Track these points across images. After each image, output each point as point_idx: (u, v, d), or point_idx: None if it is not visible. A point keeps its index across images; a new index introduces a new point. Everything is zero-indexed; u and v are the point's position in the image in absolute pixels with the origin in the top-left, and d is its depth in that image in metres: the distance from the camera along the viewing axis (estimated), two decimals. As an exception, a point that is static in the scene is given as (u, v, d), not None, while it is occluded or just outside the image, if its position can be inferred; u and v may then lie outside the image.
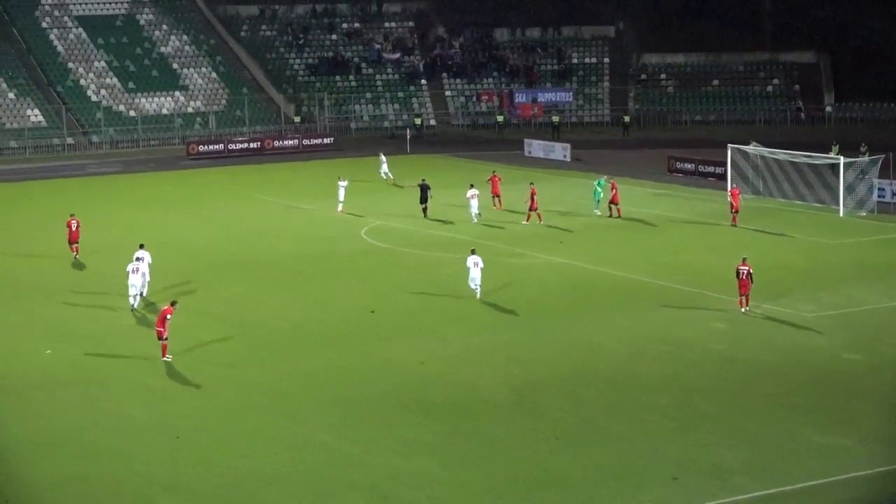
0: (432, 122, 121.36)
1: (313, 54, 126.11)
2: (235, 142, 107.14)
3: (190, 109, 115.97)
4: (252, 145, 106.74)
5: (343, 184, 72.46)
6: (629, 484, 31.40)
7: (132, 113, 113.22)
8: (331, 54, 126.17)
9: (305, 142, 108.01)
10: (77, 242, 60.21)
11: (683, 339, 44.48)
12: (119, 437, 35.22)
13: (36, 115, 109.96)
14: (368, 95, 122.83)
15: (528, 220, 67.52)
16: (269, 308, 50.05)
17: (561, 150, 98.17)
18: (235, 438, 34.96)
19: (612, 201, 69.24)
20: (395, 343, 44.52)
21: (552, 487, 31.13)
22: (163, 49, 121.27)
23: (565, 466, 32.46)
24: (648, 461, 32.80)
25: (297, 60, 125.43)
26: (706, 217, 69.01)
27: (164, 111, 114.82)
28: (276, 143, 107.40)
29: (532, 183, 70.14)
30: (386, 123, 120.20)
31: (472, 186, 69.16)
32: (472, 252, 51.33)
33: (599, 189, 70.46)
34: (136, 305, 49.84)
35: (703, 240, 62.89)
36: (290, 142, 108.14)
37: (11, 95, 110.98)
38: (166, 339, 42.23)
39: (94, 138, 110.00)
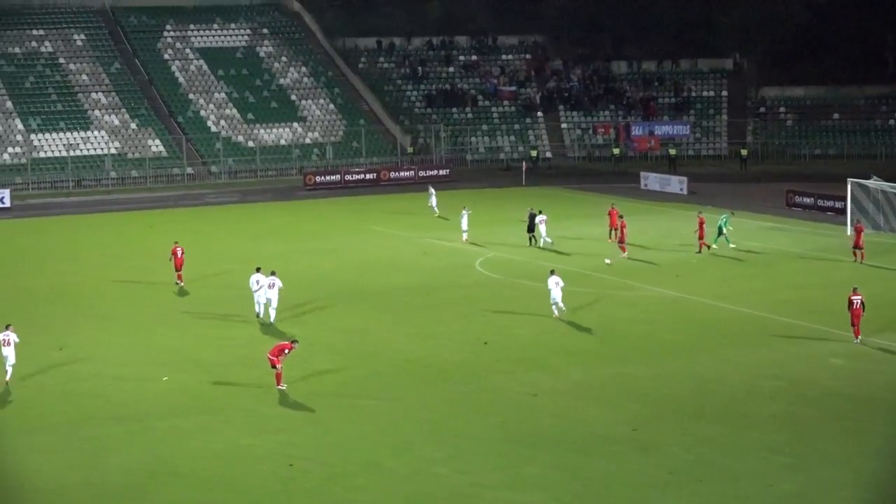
0: (548, 154, 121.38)
1: (430, 86, 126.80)
2: (352, 173, 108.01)
3: (307, 140, 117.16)
4: (368, 176, 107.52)
5: (466, 212, 73.25)
6: (744, 522, 30.98)
7: (251, 143, 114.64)
8: (448, 86, 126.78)
9: (421, 173, 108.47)
10: (181, 270, 61.05)
11: (799, 375, 43.83)
12: (234, 465, 35.50)
13: (157, 146, 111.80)
14: (485, 127, 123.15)
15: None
16: (384, 339, 50.27)
17: (678, 184, 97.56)
18: (348, 468, 35.07)
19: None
20: (507, 375, 44.43)
21: (665, 524, 30.85)
22: (282, 81, 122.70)
23: None
24: (764, 500, 32.27)
25: (414, 92, 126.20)
26: (825, 252, 68.09)
27: (282, 142, 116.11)
28: (392, 175, 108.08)
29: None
30: (502, 155, 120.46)
31: (540, 213, 71.00)
32: (552, 273, 53.42)
33: (724, 225, 69.64)
34: (262, 314, 53.10)
35: (821, 275, 62.01)
36: (406, 173, 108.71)
37: (133, 126, 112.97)
38: (280, 368, 42.64)
39: (213, 168, 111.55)
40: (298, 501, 32.61)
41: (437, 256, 68.72)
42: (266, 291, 52.84)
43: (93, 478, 34.55)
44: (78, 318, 54.80)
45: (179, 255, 61.14)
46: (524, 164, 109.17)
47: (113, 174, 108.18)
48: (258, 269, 54.25)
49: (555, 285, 52.78)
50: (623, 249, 66.73)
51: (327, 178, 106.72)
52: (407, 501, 32.48)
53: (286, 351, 42.74)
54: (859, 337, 47.45)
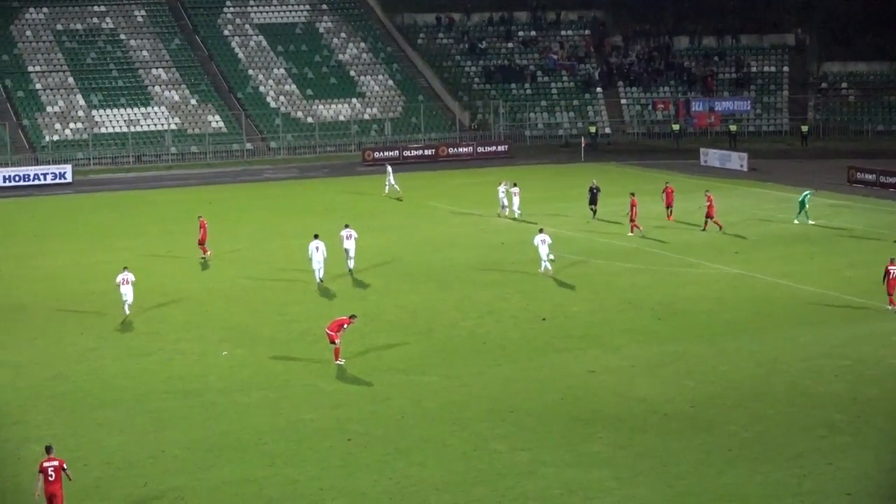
0: (607, 130, 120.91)
1: (489, 62, 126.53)
2: (410, 148, 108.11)
3: (366, 116, 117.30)
4: (427, 152, 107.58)
5: (505, 187, 73.86)
6: (804, 501, 30.79)
7: (310, 119, 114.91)
8: (507, 62, 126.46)
9: (480, 149, 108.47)
10: (204, 244, 61.81)
11: (863, 354, 43.47)
12: (294, 440, 35.71)
13: (217, 121, 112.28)
14: (543, 103, 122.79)
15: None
16: (442, 315, 50.33)
17: (738, 160, 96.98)
18: (407, 444, 35.18)
19: (708, 215, 68.15)
20: (566, 352, 44.41)
21: (727, 502, 30.70)
22: (341, 57, 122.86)
23: (740, 482, 31.94)
24: (824, 478, 32.11)
25: (473, 68, 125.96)
26: (888, 229, 67.45)
27: (341, 118, 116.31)
28: (451, 151, 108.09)
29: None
30: (560, 132, 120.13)
31: (515, 185, 73.92)
32: (540, 231, 57.43)
33: (806, 201, 69.14)
34: (320, 279, 55.46)
35: (884, 252, 61.30)
36: (465, 149, 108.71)
37: (194, 102, 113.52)
38: (339, 343, 42.83)
39: (272, 144, 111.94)
40: (359, 476, 32.76)
41: (495, 233, 68.70)
42: (330, 249, 55.80)
43: (155, 452, 34.86)
44: (139, 293, 55.14)
45: (203, 229, 61.94)
46: (583, 140, 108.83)
47: (173, 150, 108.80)
48: (316, 236, 55.98)
49: (541, 242, 56.35)
50: (635, 228, 66.58)
51: (386, 153, 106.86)
52: (465, 478, 32.54)
53: (345, 326, 42.96)
54: (893, 306, 48.76)
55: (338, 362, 42.90)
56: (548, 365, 42.88)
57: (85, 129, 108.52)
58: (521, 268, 58.94)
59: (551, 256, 56.85)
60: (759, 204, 77.35)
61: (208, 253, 61.81)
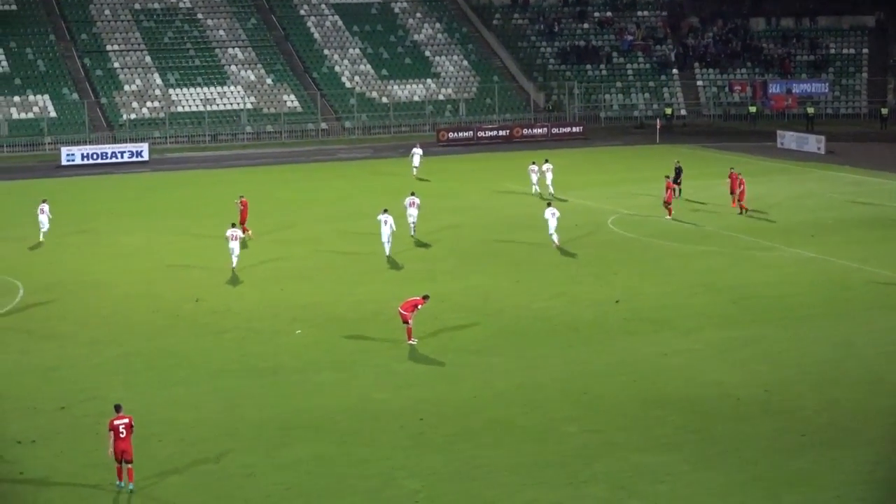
0: (683, 112, 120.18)
1: (564, 43, 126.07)
2: (485, 129, 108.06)
3: (441, 97, 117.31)
4: (501, 133, 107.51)
5: (546, 167, 76.07)
6: (877, 488, 30.51)
7: (384, 99, 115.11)
8: (582, 43, 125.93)
9: (554, 130, 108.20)
10: (244, 223, 62.39)
11: (941, 340, 43.01)
12: (365, 420, 35.84)
13: (292, 101, 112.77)
14: (619, 85, 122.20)
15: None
16: (515, 297, 50.24)
17: (815, 143, 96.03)
18: (478, 425, 35.19)
19: (733, 192, 67.88)
20: (638, 335, 44.22)
21: (798, 488, 30.42)
22: (416, 37, 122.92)
23: (811, 468, 31.66)
24: (899, 465, 31.87)
25: (548, 49, 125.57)
26: (967, 214, 66.63)
27: (416, 98, 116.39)
28: (525, 132, 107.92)
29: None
30: (636, 113, 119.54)
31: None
32: (549, 204, 60.79)
33: None
34: (388, 252, 57.45)
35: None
36: (539, 130, 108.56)
37: (269, 81, 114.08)
38: (411, 323, 42.95)
39: (347, 124, 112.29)
40: (428, 457, 32.83)
41: (568, 215, 68.45)
42: (400, 218, 60.03)
43: (228, 430, 35.13)
44: (214, 271, 55.62)
45: (244, 209, 62.68)
46: (658, 121, 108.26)
47: (248, 129, 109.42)
48: (385, 210, 58.11)
49: (551, 216, 59.29)
50: (669, 211, 66.24)
51: (460, 134, 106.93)
52: (536, 459, 32.53)
53: (418, 306, 43.05)
54: None
55: (410, 342, 43.02)
56: (620, 347, 42.74)
57: (161, 107, 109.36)
58: (596, 250, 58.75)
59: (552, 234, 59.21)
60: (836, 187, 76.59)
61: (248, 233, 62.18)
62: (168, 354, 42.84)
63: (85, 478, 31.62)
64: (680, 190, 71.15)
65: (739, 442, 33.46)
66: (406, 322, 42.95)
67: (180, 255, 59.83)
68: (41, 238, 63.32)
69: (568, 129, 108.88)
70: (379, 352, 42.71)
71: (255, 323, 46.81)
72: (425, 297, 43.58)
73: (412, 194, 63.59)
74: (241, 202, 63.22)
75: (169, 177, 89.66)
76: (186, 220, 69.19)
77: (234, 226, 56.49)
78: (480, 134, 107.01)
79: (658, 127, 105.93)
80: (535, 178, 76.12)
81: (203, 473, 31.96)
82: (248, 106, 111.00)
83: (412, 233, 62.19)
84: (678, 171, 71.75)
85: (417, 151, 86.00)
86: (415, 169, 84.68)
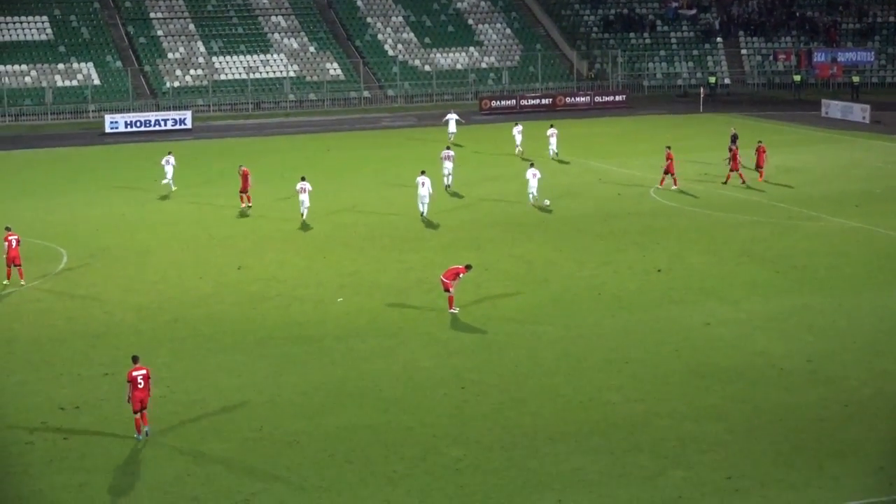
0: (726, 80, 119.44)
1: (608, 11, 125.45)
2: (527, 97, 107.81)
3: (483, 65, 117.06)
4: (544, 101, 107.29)
5: (551, 132, 76.96)
6: (924, 460, 30.41)
7: (427, 68, 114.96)
8: (626, 11, 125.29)
9: (597, 99, 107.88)
10: (247, 192, 62.95)
11: None
12: (409, 388, 35.94)
13: (335, 69, 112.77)
14: (662, 53, 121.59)
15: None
16: (559, 266, 50.19)
17: (860, 112, 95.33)
18: (522, 394, 35.22)
19: (760, 166, 67.21)
20: (682, 305, 44.08)
21: (843, 458, 30.31)
22: (459, 5, 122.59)
23: (857, 438, 31.48)
24: (946, 437, 31.67)
25: (592, 17, 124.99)
26: None
27: (458, 66, 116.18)
28: (568, 100, 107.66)
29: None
30: (679, 82, 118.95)
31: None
32: (531, 165, 63.43)
33: None
34: (425, 213, 59.08)
35: None
36: (582, 99, 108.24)
37: (312, 49, 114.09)
38: (453, 292, 42.91)
39: (390, 92, 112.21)
40: (473, 425, 32.88)
41: (612, 183, 68.31)
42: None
43: (273, 396, 35.31)
44: (259, 239, 55.78)
45: (244, 178, 62.90)
46: (702, 90, 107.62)
47: (291, 97, 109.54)
48: (423, 172, 59.46)
49: (532, 176, 61.77)
50: (674, 182, 65.86)
51: (503, 102, 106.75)
52: (580, 428, 32.52)
53: (460, 275, 42.96)
54: None
55: (451, 311, 43.00)
56: (664, 317, 42.62)
57: (205, 75, 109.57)
58: (639, 220, 58.57)
59: (532, 193, 61.86)
60: (882, 157, 76.07)
61: (248, 203, 62.72)
62: (213, 321, 43.03)
63: (128, 445, 31.85)
64: (734, 159, 69.77)
65: (784, 412, 33.34)
66: (447, 290, 42.90)
67: (224, 224, 60.02)
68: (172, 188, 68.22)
69: (611, 98, 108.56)
70: (423, 320, 42.76)
71: (299, 291, 46.93)
72: (468, 267, 43.52)
73: (448, 148, 67.25)
74: (242, 171, 63.24)
75: (212, 144, 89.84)
76: (230, 189, 69.31)
77: (303, 179, 59.23)
78: (523, 102, 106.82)
79: (702, 96, 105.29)
80: (519, 139, 78.30)
81: (247, 440, 32.11)
82: (291, 74, 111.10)
83: (447, 183, 65.88)
84: (734, 139, 70.89)
85: (452, 116, 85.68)
86: (451, 135, 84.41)
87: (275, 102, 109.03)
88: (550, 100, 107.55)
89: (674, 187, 65.41)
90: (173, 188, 67.92)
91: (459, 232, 56.60)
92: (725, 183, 66.26)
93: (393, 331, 41.60)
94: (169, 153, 68.90)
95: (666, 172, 65.79)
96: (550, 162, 75.38)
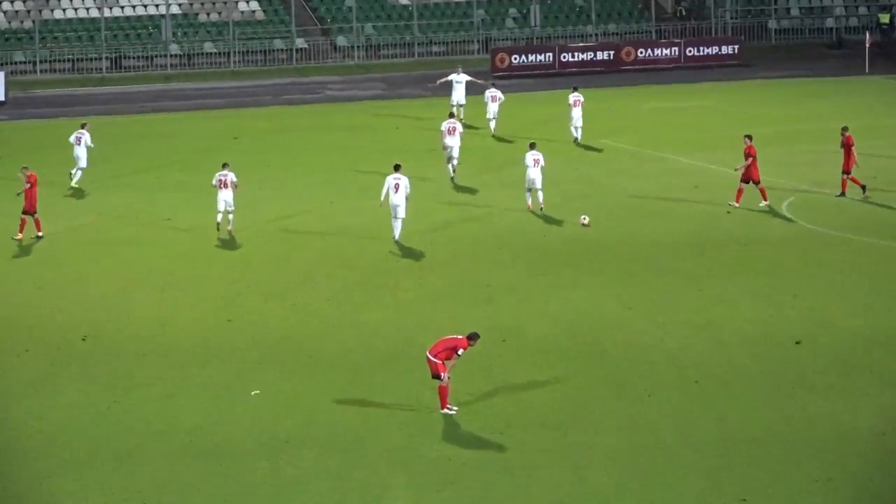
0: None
1: None
2: (572, 50, 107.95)
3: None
4: (600, 56, 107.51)
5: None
6: None
7: (403, 0, 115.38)
8: None
9: (690, 51, 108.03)
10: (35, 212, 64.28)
11: None
12: None
13: (247, 4, 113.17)
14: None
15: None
16: (624, 329, 50.11)
17: None
18: None
19: (844, 170, 68.08)
20: (829, 394, 43.57)
21: None
22: None
23: None
24: None
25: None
26: None
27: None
28: (641, 54, 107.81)
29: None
30: (829, 22, 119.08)
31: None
32: (531, 147, 67.30)
33: None
34: (397, 235, 62.24)
35: None
36: (666, 51, 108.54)
37: None
38: (447, 379, 41.90)
39: (340, 41, 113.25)
40: None
41: (713, 191, 68.16)
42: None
43: None
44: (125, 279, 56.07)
45: (31, 185, 63.68)
46: (868, 36, 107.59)
47: (174, 48, 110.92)
48: (397, 168, 62.42)
49: (533, 163, 65.60)
50: (763, 196, 66.59)
51: (531, 57, 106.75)
52: None
53: (459, 351, 42.04)
54: None
55: (445, 411, 42.25)
56: (799, 414, 41.98)
57: (27, 12, 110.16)
58: (760, 251, 58.74)
59: (535, 188, 65.79)
60: None
61: (38, 232, 63.92)
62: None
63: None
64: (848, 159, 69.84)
65: None
66: (438, 376, 42.12)
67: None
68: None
69: (714, 50, 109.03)
70: (391, 432, 41.73)
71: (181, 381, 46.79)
72: (471, 337, 42.64)
73: (451, 116, 73.04)
74: (26, 176, 62.99)
75: (37, 128, 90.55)
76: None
77: (225, 166, 63.91)
78: (565, 57, 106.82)
79: (867, 45, 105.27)
80: (493, 109, 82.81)
81: None
82: (175, 10, 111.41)
83: (452, 174, 70.93)
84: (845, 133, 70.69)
85: (462, 77, 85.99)
86: (458, 108, 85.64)
87: (147, 58, 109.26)
88: (611, 53, 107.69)
89: (762, 203, 65.25)
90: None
91: (456, 268, 56.52)
92: (842, 195, 66.60)
93: (343, 446, 40.81)
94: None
95: (744, 180, 65.74)
96: (575, 149, 75.65)
